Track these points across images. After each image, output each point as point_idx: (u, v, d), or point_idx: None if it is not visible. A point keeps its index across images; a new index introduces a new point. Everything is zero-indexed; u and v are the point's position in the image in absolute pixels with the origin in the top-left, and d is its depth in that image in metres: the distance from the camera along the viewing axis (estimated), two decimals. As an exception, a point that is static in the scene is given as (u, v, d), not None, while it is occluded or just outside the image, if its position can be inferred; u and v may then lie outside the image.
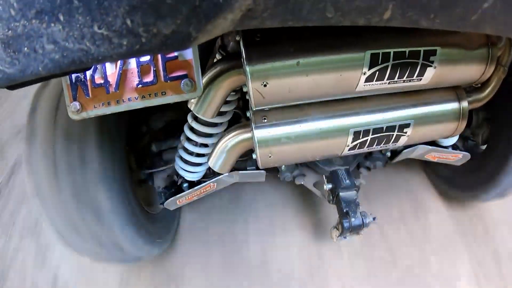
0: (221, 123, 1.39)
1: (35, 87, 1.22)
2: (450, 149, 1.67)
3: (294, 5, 0.62)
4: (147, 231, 1.62)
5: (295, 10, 0.64)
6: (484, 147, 1.84)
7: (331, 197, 1.65)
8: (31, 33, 0.56)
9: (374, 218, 1.52)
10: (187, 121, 1.39)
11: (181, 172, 1.54)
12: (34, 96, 1.38)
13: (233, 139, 1.30)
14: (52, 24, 0.55)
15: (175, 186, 1.67)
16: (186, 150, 1.47)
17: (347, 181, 1.60)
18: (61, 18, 0.54)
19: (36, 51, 0.57)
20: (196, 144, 1.44)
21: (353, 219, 1.50)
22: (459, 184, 2.02)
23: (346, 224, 1.50)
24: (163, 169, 1.70)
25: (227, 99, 1.24)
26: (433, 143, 1.63)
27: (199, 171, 1.54)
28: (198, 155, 1.47)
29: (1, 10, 0.54)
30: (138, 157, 1.68)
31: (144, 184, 1.75)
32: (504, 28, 0.75)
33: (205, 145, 1.44)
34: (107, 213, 1.37)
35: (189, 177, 1.56)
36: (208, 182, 1.57)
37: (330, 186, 1.63)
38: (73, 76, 1.02)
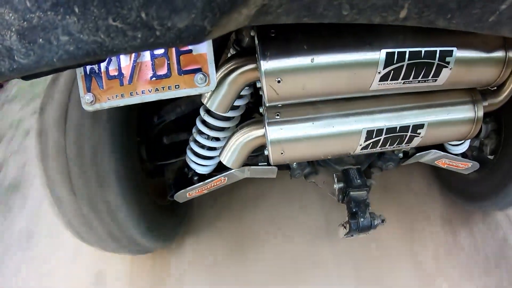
0: (233, 117, 1.39)
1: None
2: (460, 157, 1.66)
3: (310, 1, 0.62)
4: (157, 223, 1.63)
5: (310, 6, 0.63)
6: (491, 157, 1.84)
7: (341, 196, 1.64)
8: (46, 25, 0.56)
9: (383, 220, 1.51)
10: (199, 114, 1.40)
11: (192, 165, 1.54)
12: (46, 88, 1.40)
13: (246, 135, 1.29)
14: (67, 16, 0.55)
15: (186, 178, 1.67)
16: (197, 143, 1.47)
17: (358, 180, 1.59)
18: (76, 10, 0.55)
19: (51, 43, 0.58)
20: (207, 137, 1.44)
21: (361, 220, 1.49)
22: (468, 194, 2.02)
23: (354, 225, 1.49)
24: (174, 162, 1.70)
25: (241, 93, 1.24)
26: (443, 150, 1.62)
27: (210, 165, 1.54)
28: (210, 148, 1.47)
29: (17, 2, 0.55)
30: (149, 149, 1.68)
31: (155, 176, 1.75)
32: (522, 31, 0.74)
33: (217, 139, 1.44)
34: (117, 204, 1.38)
35: (200, 170, 1.56)
36: (219, 176, 1.57)
37: (341, 185, 1.62)
38: (88, 67, 1.02)
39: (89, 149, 1.30)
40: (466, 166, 1.70)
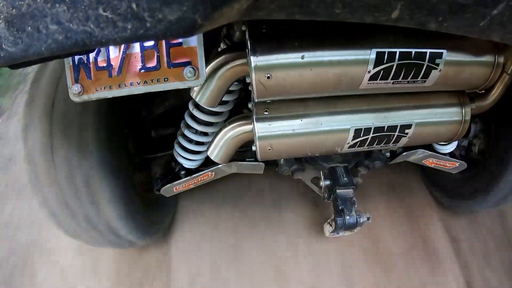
0: (222, 112, 1.39)
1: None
2: (448, 156, 1.67)
3: (302, -2, 0.62)
4: (142, 217, 1.62)
5: (303, 3, 0.63)
6: (479, 157, 1.85)
7: (327, 194, 1.65)
8: (36, 13, 0.55)
9: (368, 218, 1.52)
10: (188, 108, 1.39)
11: (180, 159, 1.54)
12: (32, 79, 1.38)
13: (233, 130, 1.29)
14: (57, 5, 0.54)
15: (173, 173, 1.66)
16: (185, 137, 1.47)
17: (345, 178, 1.59)
18: (66, -2, 0.54)
19: (39, 31, 0.57)
20: (196, 132, 1.43)
21: (347, 217, 1.49)
22: (455, 193, 2.03)
23: (340, 222, 1.50)
24: (161, 155, 1.69)
25: (230, 88, 1.23)
26: (431, 149, 1.63)
27: (198, 159, 1.54)
28: (198, 143, 1.47)
29: (7, -12, 0.54)
30: (136, 142, 1.67)
31: (142, 169, 1.74)
32: (511, 36, 0.74)
33: (205, 134, 1.44)
34: (103, 197, 1.37)
35: (187, 164, 1.55)
36: (206, 170, 1.57)
37: (327, 182, 1.63)
38: (76, 58, 1.01)
39: (76, 141, 1.29)
40: (453, 166, 1.71)
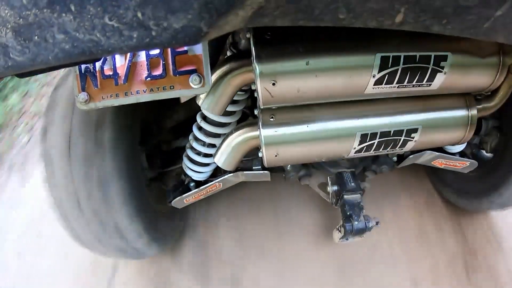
0: (229, 123, 1.40)
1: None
2: (457, 156, 1.65)
3: (306, 4, 0.62)
4: (155, 229, 1.63)
5: (307, 9, 0.63)
6: (491, 155, 1.82)
7: (335, 199, 1.65)
8: (42, 22, 0.56)
9: (377, 223, 1.51)
10: (196, 121, 1.40)
11: (188, 172, 1.55)
12: (52, 90, 1.40)
13: (240, 137, 1.30)
14: (64, 14, 0.55)
15: (183, 185, 1.68)
16: (194, 149, 1.48)
17: (352, 184, 1.59)
18: (73, 8, 0.54)
19: (46, 40, 0.58)
20: (204, 144, 1.44)
21: (356, 223, 1.49)
22: (464, 192, 2.01)
23: (348, 228, 1.50)
24: (173, 169, 1.71)
25: (236, 98, 1.24)
26: (440, 149, 1.62)
27: (206, 171, 1.55)
28: (206, 155, 1.48)
29: (14, -1, 0.55)
30: (149, 156, 1.69)
31: (155, 182, 1.76)
32: (515, 37, 0.74)
33: (213, 146, 1.45)
34: (119, 213, 1.38)
35: (196, 176, 1.57)
36: (214, 181, 1.58)
37: (335, 188, 1.63)
38: (83, 66, 1.02)
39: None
40: (463, 165, 1.69)
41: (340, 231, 1.56)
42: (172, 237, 1.93)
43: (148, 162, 1.68)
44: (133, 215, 1.43)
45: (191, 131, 1.46)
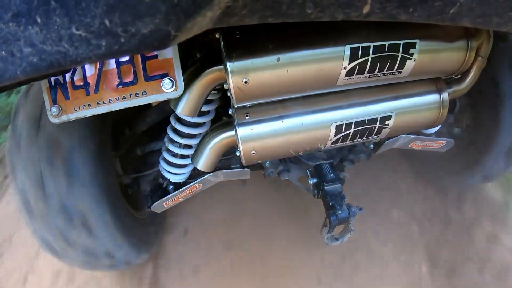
0: (204, 123, 1.39)
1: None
2: (433, 136, 1.68)
3: (273, 1, 0.62)
4: (136, 237, 1.61)
5: (274, 6, 0.64)
6: (467, 131, 1.85)
7: (316, 191, 1.66)
8: (8, 36, 0.55)
9: (360, 209, 1.53)
10: (170, 122, 1.39)
11: (166, 174, 1.53)
12: (15, 104, 1.37)
13: (216, 137, 1.29)
14: (30, 27, 0.54)
15: (161, 188, 1.66)
16: (170, 152, 1.47)
17: (332, 174, 1.60)
18: (38, 20, 0.53)
19: (13, 55, 0.56)
20: (179, 145, 1.43)
21: (339, 212, 1.50)
22: (444, 169, 2.05)
23: (333, 217, 1.51)
24: (149, 173, 1.69)
25: (209, 98, 1.23)
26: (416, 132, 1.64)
27: (184, 173, 1.54)
28: (182, 156, 1.47)
29: (-23, 14, 0.53)
30: (123, 161, 1.66)
31: (131, 188, 1.73)
32: (482, 20, 0.76)
33: (189, 146, 1.44)
34: (95, 222, 1.36)
35: (174, 179, 1.55)
36: (194, 182, 1.57)
37: (314, 180, 1.64)
38: (52, 79, 1.00)
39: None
40: (441, 145, 1.72)
41: (326, 225, 1.57)
42: (153, 243, 1.91)
43: (122, 168, 1.66)
44: (110, 224, 1.41)
45: (165, 133, 1.45)
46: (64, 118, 1.02)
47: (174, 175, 1.53)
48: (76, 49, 0.57)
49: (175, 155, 1.47)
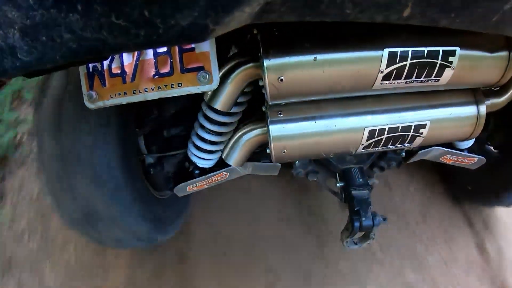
0: (236, 113, 1.38)
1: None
2: (465, 152, 1.64)
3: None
4: (155, 216, 1.61)
5: (313, 5, 0.63)
6: (499, 151, 1.81)
7: (342, 195, 1.64)
8: (49, 22, 0.56)
9: (384, 219, 1.50)
10: (200, 107, 1.39)
11: (194, 159, 1.53)
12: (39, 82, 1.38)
13: (248, 133, 1.30)
14: (70, 14, 0.55)
15: (186, 172, 1.66)
16: (199, 136, 1.46)
17: (360, 179, 1.58)
18: (79, 7, 0.55)
19: (53, 40, 0.58)
20: (209, 131, 1.42)
21: (363, 219, 1.48)
22: (478, 189, 2.00)
23: (356, 223, 1.49)
24: (174, 154, 1.69)
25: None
26: (448, 145, 1.61)
27: (212, 159, 1.52)
28: (212, 142, 1.46)
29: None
30: (148, 141, 1.67)
31: (153, 168, 1.74)
32: (526, 30, 0.74)
33: (219, 133, 1.43)
34: (114, 197, 1.37)
35: (202, 164, 1.54)
36: (221, 171, 1.56)
37: (342, 184, 1.62)
38: (90, 65, 1.02)
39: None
40: (472, 162, 1.68)
41: (347, 229, 1.55)
42: (177, 223, 1.92)
43: (147, 147, 1.65)
44: (132, 205, 1.42)
45: (194, 117, 1.44)
46: (100, 104, 1.04)
47: (202, 160, 1.52)
48: (115, 37, 0.58)
49: (204, 140, 1.45)
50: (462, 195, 2.18)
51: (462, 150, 1.64)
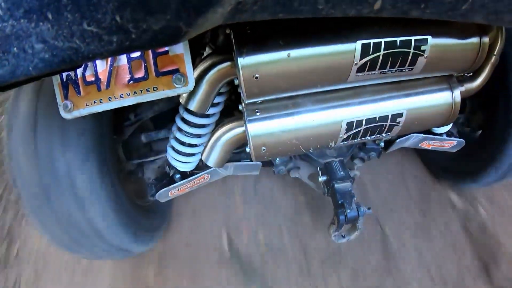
0: (213, 114, 1.38)
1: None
2: (444, 136, 1.67)
3: (285, -3, 0.62)
4: (137, 224, 1.60)
5: (285, 2, 0.63)
6: (479, 132, 1.84)
7: (326, 189, 1.65)
8: (20, 33, 0.55)
9: (369, 208, 1.52)
10: (177, 111, 1.38)
11: (173, 163, 1.52)
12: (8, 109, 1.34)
13: (226, 133, 1.29)
14: (41, 23, 0.54)
15: (167, 177, 1.65)
16: (178, 140, 1.45)
17: (342, 172, 1.60)
18: (50, 16, 0.54)
19: (25, 51, 0.57)
20: (187, 134, 1.42)
21: (348, 211, 1.50)
22: (458, 170, 2.04)
23: (341, 216, 1.50)
24: (153, 160, 1.67)
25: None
26: (427, 131, 1.63)
27: (192, 162, 1.52)
28: (191, 145, 1.45)
29: (-11, 11, 0.54)
30: (126, 147, 1.65)
31: (133, 175, 1.72)
32: (494, 17, 0.75)
33: (198, 136, 1.43)
34: (93, 207, 1.33)
35: (182, 167, 1.54)
36: (202, 173, 1.56)
37: (324, 178, 1.64)
38: (64, 74, 1.01)
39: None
40: (451, 145, 1.71)
41: (334, 223, 1.56)
42: (157, 232, 1.90)
43: (125, 154, 1.63)
44: (111, 214, 1.39)
45: (172, 121, 1.43)
46: (76, 113, 1.03)
47: (182, 164, 1.51)
48: (88, 45, 0.57)
49: (183, 143, 1.45)
50: (440, 175, 2.22)
51: (441, 135, 1.66)
